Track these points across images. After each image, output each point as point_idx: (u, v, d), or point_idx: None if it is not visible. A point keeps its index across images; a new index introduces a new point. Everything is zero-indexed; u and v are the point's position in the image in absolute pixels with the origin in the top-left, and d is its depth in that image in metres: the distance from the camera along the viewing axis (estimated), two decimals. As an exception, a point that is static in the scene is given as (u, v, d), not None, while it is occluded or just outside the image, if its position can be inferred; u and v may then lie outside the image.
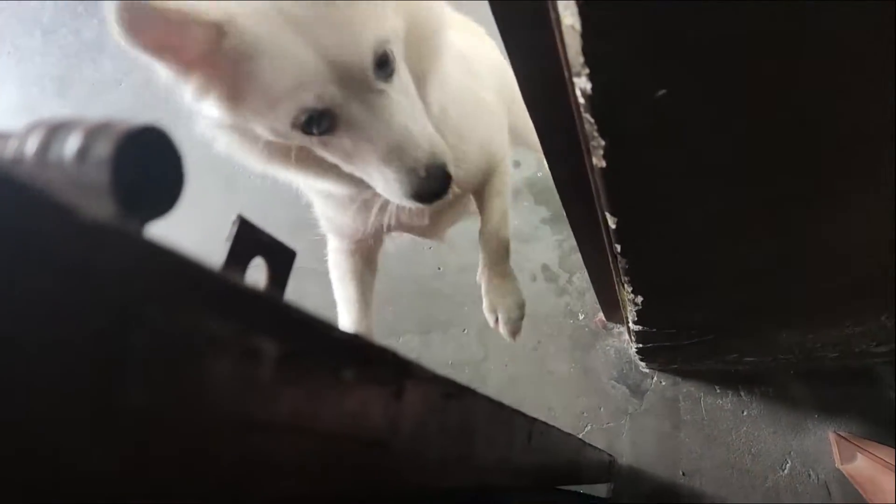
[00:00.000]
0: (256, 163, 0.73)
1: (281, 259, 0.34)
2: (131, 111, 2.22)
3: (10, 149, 0.23)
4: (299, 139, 0.67)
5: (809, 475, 1.33)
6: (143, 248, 0.17)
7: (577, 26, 0.38)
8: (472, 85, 0.95)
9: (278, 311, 0.23)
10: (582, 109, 0.48)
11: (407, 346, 1.68)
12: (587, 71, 0.42)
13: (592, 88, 0.44)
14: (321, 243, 1.08)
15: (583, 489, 1.37)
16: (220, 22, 0.57)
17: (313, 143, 0.68)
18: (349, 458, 0.28)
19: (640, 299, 0.91)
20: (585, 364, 1.55)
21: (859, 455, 1.24)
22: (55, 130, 0.22)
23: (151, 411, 0.17)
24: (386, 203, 0.80)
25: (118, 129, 0.21)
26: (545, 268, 1.66)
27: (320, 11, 0.59)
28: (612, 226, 0.67)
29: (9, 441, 0.14)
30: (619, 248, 0.73)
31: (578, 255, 1.03)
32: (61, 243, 0.15)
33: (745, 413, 1.41)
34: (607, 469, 1.37)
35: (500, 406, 0.51)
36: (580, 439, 1.13)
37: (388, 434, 0.31)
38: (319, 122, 0.64)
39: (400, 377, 0.32)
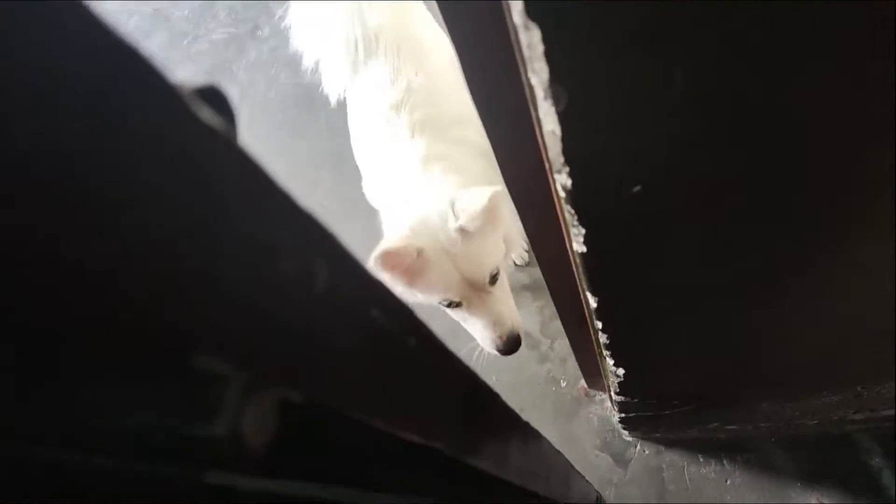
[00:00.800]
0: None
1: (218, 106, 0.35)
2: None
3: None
4: (443, 306, 1.12)
5: (794, 545, 1.32)
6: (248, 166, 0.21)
7: (558, 132, 0.41)
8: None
9: (329, 239, 0.26)
10: (563, 202, 0.50)
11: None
12: (567, 169, 0.45)
13: (572, 185, 0.46)
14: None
15: None
16: (419, 248, 0.99)
17: (449, 309, 1.13)
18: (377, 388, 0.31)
19: (621, 371, 0.92)
20: (569, 432, 1.54)
21: (843, 525, 1.24)
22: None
23: (242, 293, 0.20)
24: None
25: (189, 86, 0.24)
26: (527, 335, 1.67)
27: (466, 251, 1.02)
28: (593, 304, 0.69)
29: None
30: (599, 324, 0.75)
31: (559, 322, 1.05)
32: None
33: (728, 482, 1.40)
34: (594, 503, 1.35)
35: (495, 394, 0.53)
36: (568, 461, 1.10)
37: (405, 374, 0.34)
38: (453, 303, 1.10)
39: (415, 334, 0.35)
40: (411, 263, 1.00)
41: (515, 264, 1.73)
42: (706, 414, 1.21)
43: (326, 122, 2.11)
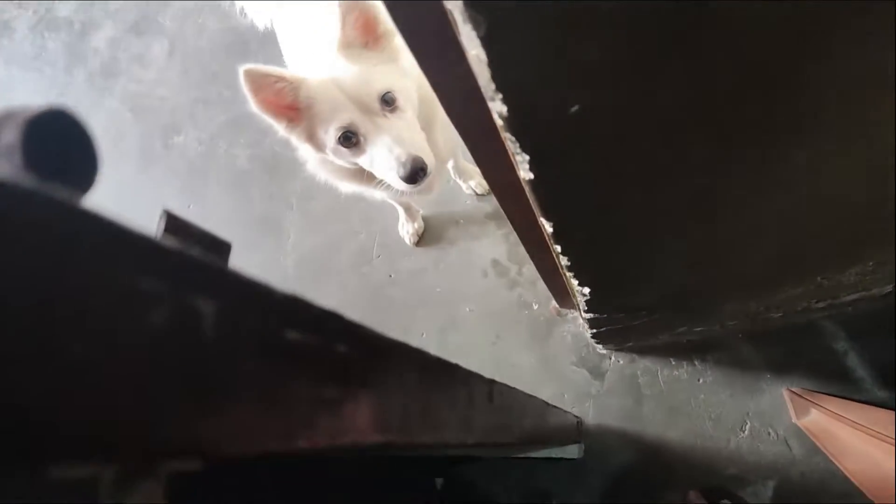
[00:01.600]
0: (335, 181, 1.25)
1: (216, 251, 0.33)
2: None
3: None
4: (345, 154, 1.08)
5: (769, 433, 1.38)
6: (74, 212, 0.17)
7: (483, 57, 0.38)
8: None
9: (215, 272, 0.23)
10: (501, 130, 0.48)
11: (367, 357, 1.67)
12: (500, 96, 0.42)
13: (508, 111, 0.44)
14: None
15: (555, 452, 1.40)
16: (298, 79, 1.01)
17: (353, 155, 1.08)
18: (298, 411, 0.28)
19: (586, 290, 0.92)
20: (545, 353, 1.57)
21: (812, 409, 1.29)
22: None
23: (91, 360, 0.17)
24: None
25: (23, 115, 0.21)
26: (495, 262, 1.67)
27: (353, 75, 1.03)
28: (549, 229, 0.67)
29: None
30: (558, 248, 0.74)
31: (525, 247, 1.04)
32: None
33: (700, 381, 1.45)
34: (576, 430, 1.39)
35: (455, 367, 0.52)
36: (544, 401, 1.13)
37: (341, 389, 0.31)
38: (349, 137, 1.04)
39: (346, 335, 0.32)
40: (294, 100, 1.02)
41: (477, 193, 1.72)
42: (673, 320, 1.23)
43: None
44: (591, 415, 1.49)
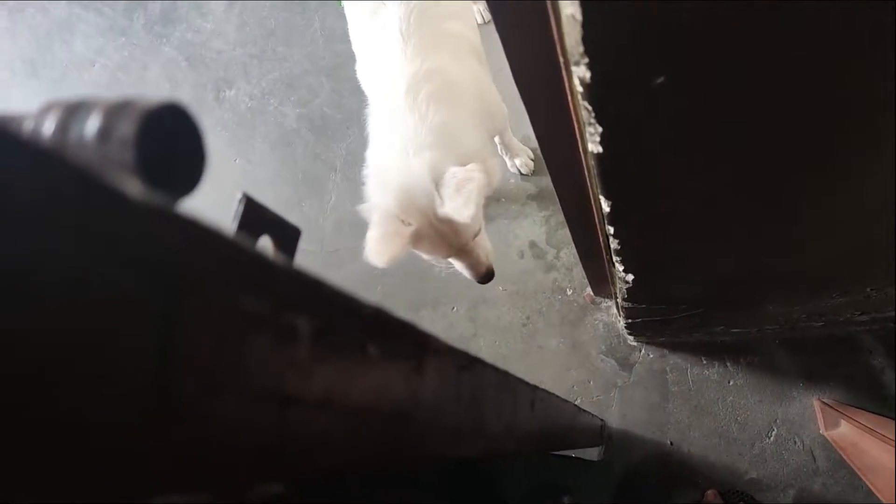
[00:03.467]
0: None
1: (287, 236, 0.33)
2: (107, 91, 2.18)
3: (27, 129, 0.22)
4: (437, 261, 1.32)
5: (795, 442, 1.36)
6: (185, 225, 0.17)
7: (578, 16, 0.38)
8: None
9: (309, 286, 0.23)
10: (579, 97, 0.47)
11: (396, 325, 1.68)
12: (586, 60, 0.42)
13: (591, 77, 0.43)
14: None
15: (574, 453, 1.40)
16: (414, 231, 1.14)
17: (444, 262, 1.32)
18: (374, 430, 0.28)
19: (630, 277, 0.91)
20: (574, 339, 1.56)
21: (843, 421, 1.27)
22: (73, 110, 0.22)
23: (197, 396, 0.18)
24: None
25: (140, 107, 0.21)
26: (532, 244, 1.66)
27: (450, 225, 1.15)
28: (606, 209, 0.67)
29: (64, 435, 0.14)
30: (611, 229, 0.73)
31: (565, 231, 1.04)
32: (108, 223, 0.15)
33: (731, 383, 1.43)
34: (599, 433, 1.39)
35: (505, 375, 0.52)
36: (576, 405, 1.15)
37: (410, 406, 0.31)
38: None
39: (419, 350, 0.32)
40: (415, 238, 1.16)
41: (521, 173, 1.71)
42: (713, 318, 1.22)
43: (321, 27, 2.02)
44: (615, 405, 1.49)
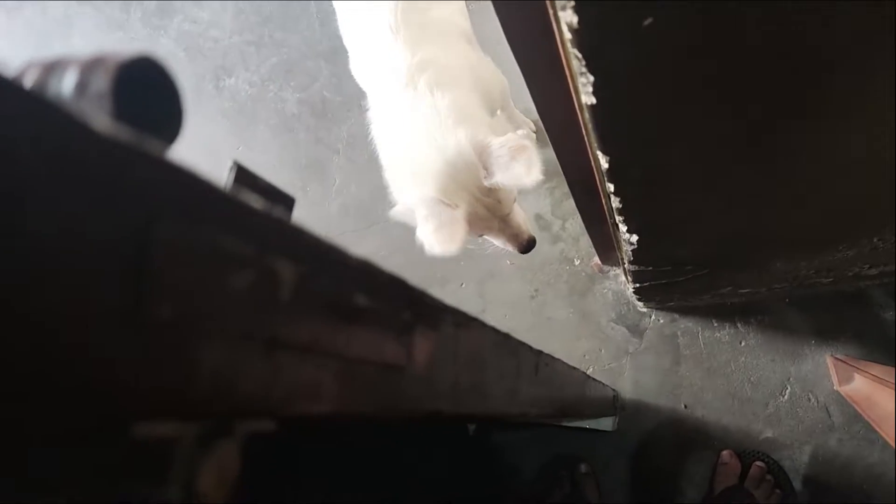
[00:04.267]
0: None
1: (281, 205, 0.34)
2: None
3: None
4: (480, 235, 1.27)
5: (809, 399, 1.36)
6: (164, 163, 0.18)
7: (560, -43, 0.38)
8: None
9: (292, 233, 0.23)
10: (569, 45, 0.47)
11: (406, 303, 1.69)
12: (572, 3, 0.42)
13: (579, 21, 0.43)
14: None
15: (588, 424, 1.41)
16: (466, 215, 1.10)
17: (486, 235, 1.26)
18: (366, 381, 0.28)
19: (634, 238, 0.91)
20: (584, 308, 1.57)
21: (856, 376, 1.27)
22: (50, 68, 0.22)
23: (176, 323, 0.18)
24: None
25: (114, 61, 0.21)
26: (538, 217, 1.66)
27: (495, 199, 1.14)
28: (605, 165, 0.67)
29: (35, 344, 0.14)
30: (611, 187, 0.73)
31: (570, 202, 1.04)
32: (84, 157, 0.15)
33: (742, 344, 1.43)
34: (612, 403, 1.40)
35: (506, 337, 0.52)
36: (584, 373, 1.15)
37: (403, 359, 0.32)
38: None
39: (411, 304, 0.33)
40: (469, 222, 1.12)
41: None
42: (719, 278, 1.22)
43: (317, 11, 2.02)
44: (627, 372, 1.49)
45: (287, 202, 0.34)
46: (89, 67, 0.21)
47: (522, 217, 1.27)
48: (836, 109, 0.59)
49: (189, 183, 0.18)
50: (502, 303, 1.63)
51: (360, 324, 0.28)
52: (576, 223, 1.61)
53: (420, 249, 1.73)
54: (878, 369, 1.21)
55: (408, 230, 1.76)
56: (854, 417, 1.32)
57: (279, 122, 1.97)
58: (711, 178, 0.72)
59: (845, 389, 1.31)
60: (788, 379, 1.39)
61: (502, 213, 1.18)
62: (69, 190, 0.15)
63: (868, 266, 1.15)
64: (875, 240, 0.99)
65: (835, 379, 1.34)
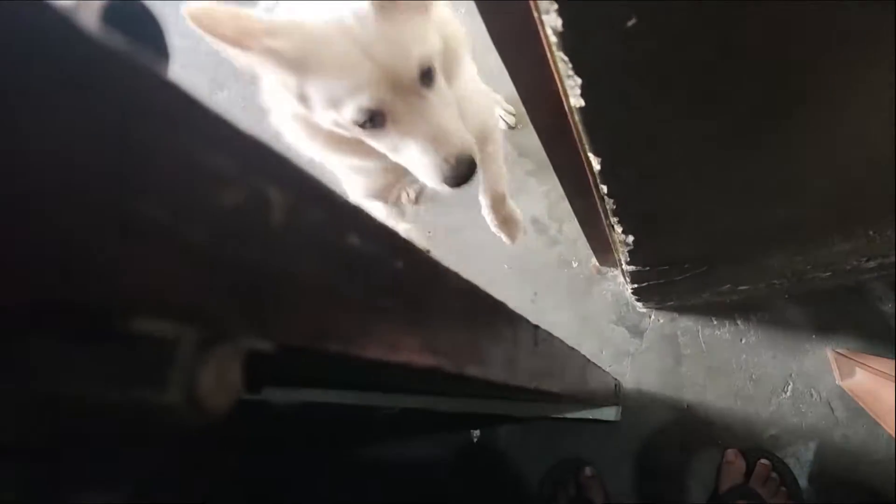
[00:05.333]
0: (316, 151, 0.96)
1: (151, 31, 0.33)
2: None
3: None
4: (356, 132, 0.83)
5: (811, 394, 1.36)
6: (156, 81, 0.18)
7: (541, -40, 0.38)
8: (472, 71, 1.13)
9: (280, 163, 0.23)
10: (554, 48, 0.47)
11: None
12: (555, 6, 0.42)
13: (563, 24, 0.43)
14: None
15: (591, 414, 1.40)
16: (284, 27, 0.74)
17: (365, 136, 0.84)
18: (365, 323, 0.28)
19: (630, 239, 0.91)
20: (584, 310, 1.56)
21: (858, 370, 1.27)
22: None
23: (167, 227, 0.18)
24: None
25: (99, 2, 0.21)
26: (535, 220, 1.66)
27: (381, 31, 0.75)
28: (597, 167, 0.67)
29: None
30: (605, 188, 0.73)
31: (566, 205, 1.03)
32: (79, 62, 0.15)
33: (743, 341, 1.43)
34: (614, 392, 1.39)
35: (501, 305, 0.52)
36: (585, 356, 1.13)
37: (392, 296, 0.31)
38: (373, 119, 0.80)
39: (400, 251, 0.32)
40: (281, 55, 0.74)
41: (510, 126, 1.70)
42: (717, 275, 1.22)
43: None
44: (628, 373, 1.49)
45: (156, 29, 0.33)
46: (75, 8, 0.21)
47: (454, 118, 0.87)
48: (825, 101, 0.59)
49: (180, 98, 0.18)
50: (502, 308, 1.62)
51: (351, 264, 0.27)
52: (573, 226, 1.61)
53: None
54: (880, 363, 1.21)
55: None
56: (858, 412, 1.32)
57: (272, 135, 1.97)
58: (703, 174, 0.72)
59: (847, 384, 1.30)
60: (790, 375, 1.38)
61: (398, 72, 0.78)
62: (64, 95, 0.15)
63: (865, 259, 1.15)
64: (870, 232, 0.99)
65: (837, 373, 1.33)
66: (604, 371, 1.31)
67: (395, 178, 1.13)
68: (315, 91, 0.78)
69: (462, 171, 0.85)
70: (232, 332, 0.20)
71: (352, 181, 1.16)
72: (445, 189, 0.87)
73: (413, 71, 0.79)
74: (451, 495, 1.48)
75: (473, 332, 0.44)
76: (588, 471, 1.43)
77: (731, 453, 1.36)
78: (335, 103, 0.78)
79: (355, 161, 0.99)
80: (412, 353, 0.33)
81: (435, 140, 0.83)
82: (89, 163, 0.15)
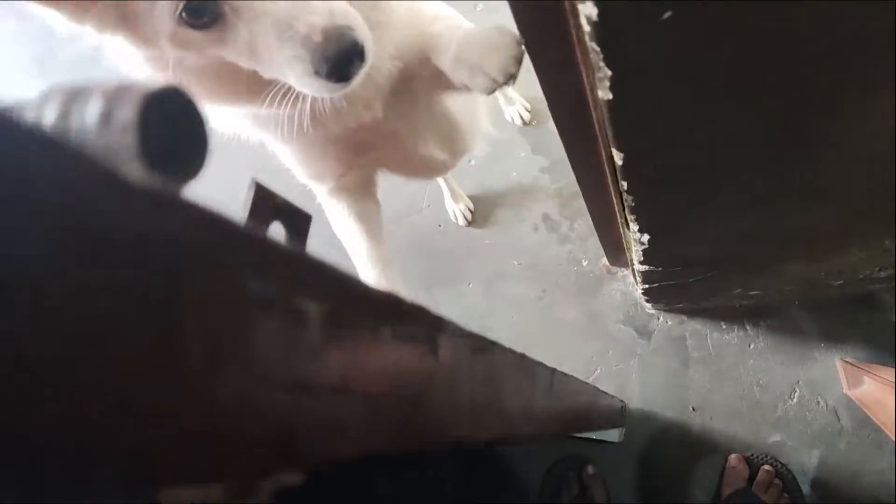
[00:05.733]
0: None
1: (298, 223, 0.33)
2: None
3: (29, 119, 0.22)
4: (194, 40, 0.60)
5: (818, 402, 1.36)
6: (187, 210, 0.17)
7: (582, -53, 0.37)
8: None
9: (317, 270, 0.23)
10: (587, 38, 0.47)
11: (413, 303, 1.69)
12: (593, -6, 0.41)
13: (598, 14, 0.43)
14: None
15: (595, 435, 1.40)
16: None
17: (211, 43, 0.61)
18: (390, 414, 0.28)
19: (646, 238, 0.91)
20: (592, 309, 1.56)
21: (866, 379, 1.26)
22: (73, 96, 0.21)
23: (204, 371, 0.17)
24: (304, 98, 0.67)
25: (140, 91, 0.21)
26: (546, 217, 1.66)
27: None
28: (619, 162, 0.66)
29: (66, 432, 0.14)
30: (625, 185, 0.73)
31: (579, 203, 1.03)
32: (105, 208, 0.15)
33: (751, 346, 1.43)
34: (620, 413, 1.39)
35: (522, 357, 0.52)
36: (594, 387, 1.15)
37: (426, 388, 0.32)
38: (200, 10, 0.58)
39: (433, 333, 0.33)
40: None
41: (525, 122, 1.71)
42: (730, 280, 1.21)
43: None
44: (635, 374, 1.48)
45: (304, 219, 0.34)
46: (114, 96, 0.21)
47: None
48: (858, 107, 0.59)
49: (216, 227, 0.18)
50: (510, 303, 1.62)
51: (385, 356, 0.27)
52: (584, 224, 1.61)
53: (427, 249, 1.73)
54: (889, 372, 1.20)
55: (414, 230, 1.76)
56: (863, 422, 1.31)
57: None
58: (727, 176, 0.72)
59: (855, 393, 1.30)
60: (797, 382, 1.38)
61: None
62: (95, 248, 0.14)
63: (878, 269, 1.15)
64: (886, 241, 0.99)
65: (844, 382, 1.33)
66: (611, 396, 1.31)
67: (347, 147, 0.82)
68: (140, 6, 0.57)
69: (336, 48, 0.59)
70: (259, 478, 0.20)
71: (282, 153, 0.93)
72: (323, 88, 0.62)
73: None
74: (452, 492, 1.49)
75: (496, 395, 0.44)
76: (590, 469, 1.42)
77: (734, 458, 1.36)
78: (156, 11, 0.57)
79: (249, 107, 0.73)
80: (439, 435, 0.34)
81: (290, 13, 0.58)
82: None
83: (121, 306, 0.15)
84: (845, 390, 1.32)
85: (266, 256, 0.20)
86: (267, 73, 0.65)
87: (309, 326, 0.22)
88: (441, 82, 0.83)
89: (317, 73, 0.60)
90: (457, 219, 1.72)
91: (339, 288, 0.24)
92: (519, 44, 0.69)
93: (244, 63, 0.64)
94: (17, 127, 0.13)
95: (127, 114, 0.20)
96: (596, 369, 1.51)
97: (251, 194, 0.30)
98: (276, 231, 0.32)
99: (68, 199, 0.14)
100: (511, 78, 0.71)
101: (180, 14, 0.57)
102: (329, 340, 0.23)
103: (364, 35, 0.62)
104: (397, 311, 0.29)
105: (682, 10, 0.43)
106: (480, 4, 1.84)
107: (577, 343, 1.55)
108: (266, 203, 0.31)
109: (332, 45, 0.59)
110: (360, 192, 0.98)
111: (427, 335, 0.32)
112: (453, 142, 1.04)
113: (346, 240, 0.95)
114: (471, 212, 1.72)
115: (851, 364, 1.32)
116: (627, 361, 1.49)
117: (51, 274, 0.13)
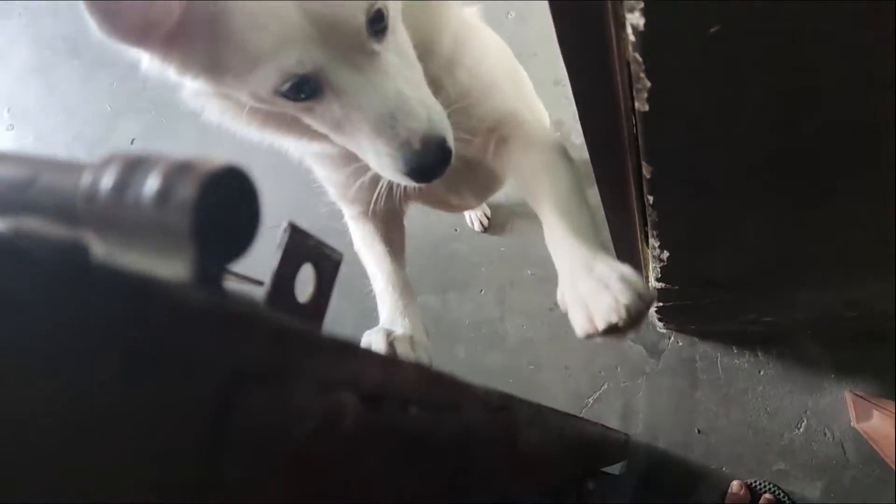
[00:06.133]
0: (249, 130, 0.70)
1: (328, 264, 0.34)
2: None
3: (85, 182, 0.22)
4: (282, 105, 0.61)
5: (825, 433, 1.35)
6: (257, 328, 0.18)
7: (637, -44, 0.38)
8: (492, 39, 0.89)
9: (357, 360, 0.23)
10: (631, 48, 0.47)
11: (425, 306, 1.69)
12: (641, 5, 0.42)
13: (645, 24, 0.43)
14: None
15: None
16: None
17: (298, 111, 0.62)
18: (421, 488, 0.29)
19: (665, 255, 0.91)
20: (602, 324, 1.55)
21: (875, 413, 1.25)
22: (133, 168, 0.21)
23: (252, 487, 0.18)
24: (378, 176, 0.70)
25: (201, 172, 0.20)
26: (562, 229, 1.66)
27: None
28: (647, 175, 0.66)
29: None
30: (651, 199, 0.73)
31: (597, 217, 1.03)
32: (166, 328, 0.15)
33: (761, 373, 1.42)
34: (623, 446, 1.39)
35: (538, 409, 0.55)
36: (603, 425, 1.14)
37: (462, 449, 0.32)
38: (302, 87, 0.58)
39: (459, 400, 0.33)
40: (187, 22, 0.53)
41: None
42: (745, 304, 1.21)
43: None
44: (642, 392, 1.48)
45: (335, 260, 0.34)
46: (174, 174, 0.21)
47: (417, 82, 0.65)
48: (887, 138, 0.59)
49: (267, 333, 0.19)
50: (521, 312, 1.62)
51: (412, 432, 0.28)
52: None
53: (442, 252, 1.73)
54: (898, 408, 1.20)
55: (429, 233, 1.76)
56: (870, 457, 1.30)
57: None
58: (755, 199, 0.72)
59: (863, 426, 1.29)
60: (805, 412, 1.37)
61: (338, 21, 0.56)
62: (157, 362, 0.15)
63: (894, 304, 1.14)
64: (906, 276, 0.98)
65: (853, 415, 1.32)
66: (616, 431, 1.31)
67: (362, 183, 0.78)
68: (227, 57, 0.55)
69: (432, 157, 0.63)
70: None
71: (320, 174, 0.94)
72: (410, 183, 0.65)
73: (358, 17, 0.57)
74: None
75: (521, 450, 0.45)
76: (590, 485, 1.42)
77: (736, 485, 1.35)
78: (249, 68, 0.56)
79: (313, 145, 0.73)
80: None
81: (391, 114, 0.60)
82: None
83: (175, 418, 0.16)
84: (853, 423, 1.32)
85: (313, 354, 0.21)
86: (345, 145, 0.66)
87: (346, 417, 0.22)
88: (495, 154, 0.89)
89: (406, 172, 0.63)
90: (473, 224, 1.73)
91: (372, 375, 0.25)
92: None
93: (322, 130, 0.65)
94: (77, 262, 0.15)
95: (186, 194, 0.20)
96: (604, 384, 1.50)
97: (286, 237, 0.31)
98: (306, 274, 0.33)
99: (124, 321, 0.15)
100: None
101: (280, 86, 0.57)
102: (363, 426, 0.24)
103: (451, 139, 0.65)
104: (425, 381, 0.30)
105: (730, 26, 0.43)
106: (513, 12, 1.84)
107: (587, 357, 1.54)
108: (300, 245, 0.31)
109: (428, 155, 0.62)
110: (389, 220, 0.97)
111: (453, 403, 0.33)
112: (487, 190, 1.11)
113: (367, 260, 0.93)
114: (488, 218, 1.73)
115: (861, 397, 1.31)
116: (635, 379, 1.49)
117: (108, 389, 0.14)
